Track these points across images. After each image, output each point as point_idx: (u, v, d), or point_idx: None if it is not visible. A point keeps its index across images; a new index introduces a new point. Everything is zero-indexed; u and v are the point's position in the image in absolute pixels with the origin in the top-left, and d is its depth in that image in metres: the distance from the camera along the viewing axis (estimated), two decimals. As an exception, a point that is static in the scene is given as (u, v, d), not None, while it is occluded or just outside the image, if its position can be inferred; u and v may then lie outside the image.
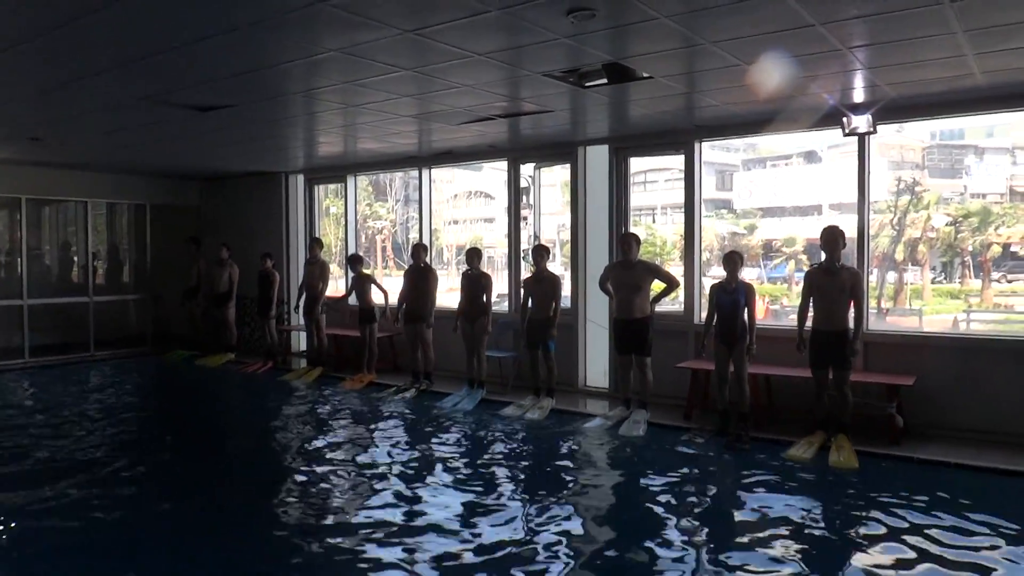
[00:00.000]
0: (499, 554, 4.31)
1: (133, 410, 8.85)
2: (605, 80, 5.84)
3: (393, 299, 9.35)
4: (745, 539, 4.59)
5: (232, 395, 10.05)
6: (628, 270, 7.29)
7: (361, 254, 10.60)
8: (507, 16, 4.28)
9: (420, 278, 8.97)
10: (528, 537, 4.60)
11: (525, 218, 9.93)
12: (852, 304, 6.25)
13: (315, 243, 10.65)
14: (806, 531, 4.71)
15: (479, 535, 4.60)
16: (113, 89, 6.05)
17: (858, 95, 6.36)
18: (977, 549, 4.28)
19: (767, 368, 7.07)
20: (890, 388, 6.49)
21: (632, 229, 8.54)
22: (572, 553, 4.39)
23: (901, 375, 6.58)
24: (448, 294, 10.40)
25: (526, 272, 8.97)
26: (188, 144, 9.01)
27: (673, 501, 5.28)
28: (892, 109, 6.62)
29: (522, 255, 9.54)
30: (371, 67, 5.39)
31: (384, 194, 21.81)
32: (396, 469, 6.08)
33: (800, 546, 4.46)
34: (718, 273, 7.63)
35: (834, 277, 6.25)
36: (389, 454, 6.59)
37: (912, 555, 4.23)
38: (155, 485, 5.78)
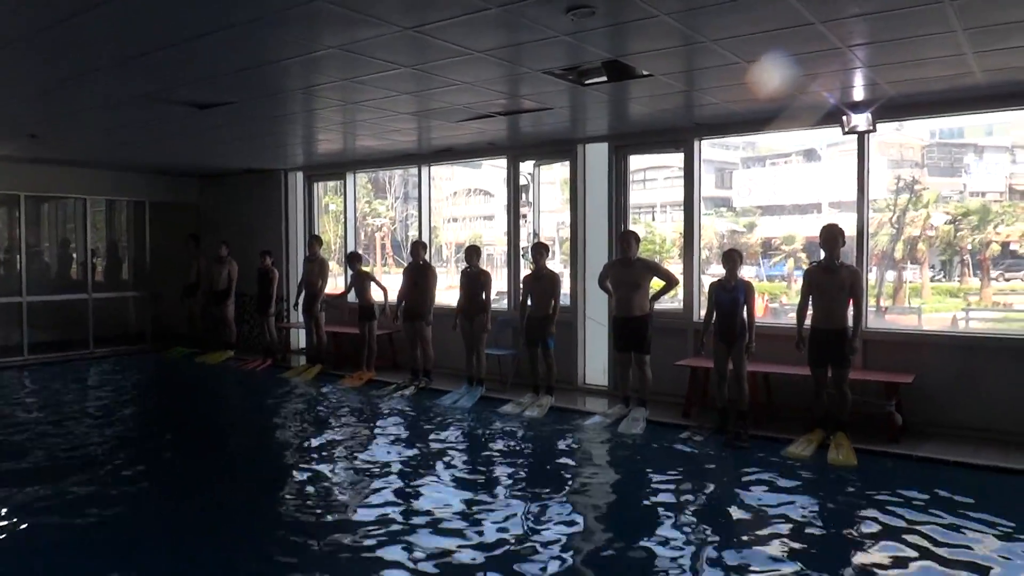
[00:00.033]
0: (499, 552, 4.31)
1: (132, 407, 8.85)
2: (605, 78, 5.83)
3: (392, 297, 9.35)
4: (744, 537, 4.60)
5: (231, 392, 10.05)
6: (627, 268, 7.29)
7: (360, 252, 10.61)
8: (506, 13, 4.27)
9: (419, 276, 8.97)
10: (527, 535, 4.60)
11: (524, 216, 9.93)
12: (851, 302, 6.26)
13: (314, 240, 10.64)
14: (805, 529, 4.72)
15: (479, 533, 4.60)
16: (112, 86, 6.04)
17: (858, 93, 6.35)
18: (975, 547, 4.29)
19: (766, 366, 7.07)
20: (889, 386, 6.50)
21: (631, 227, 8.53)
22: (571, 551, 4.39)
23: (900, 373, 6.59)
24: (447, 292, 10.40)
25: (525, 270, 8.97)
26: (187, 141, 9.00)
27: (672, 499, 5.29)
28: (892, 107, 6.61)
29: (521, 253, 9.54)
30: (370, 64, 5.39)
31: (383, 191, 21.80)
32: (395, 467, 6.08)
33: (799, 544, 4.47)
34: (717, 271, 7.63)
35: (833, 275, 6.26)
36: (388, 452, 6.59)
37: (910, 553, 4.23)
38: (155, 483, 5.77)
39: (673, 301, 8.17)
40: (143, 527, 4.80)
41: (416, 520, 4.83)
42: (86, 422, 7.64)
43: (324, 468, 6.16)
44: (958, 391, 6.52)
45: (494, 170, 14.48)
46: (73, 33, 4.58)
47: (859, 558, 4.30)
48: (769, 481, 5.56)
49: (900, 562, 4.14)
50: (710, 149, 13.42)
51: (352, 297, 9.94)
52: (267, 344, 11.11)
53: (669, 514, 4.96)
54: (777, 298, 13.86)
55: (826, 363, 6.31)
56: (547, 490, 5.50)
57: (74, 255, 12.21)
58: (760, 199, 17.21)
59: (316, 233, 11.59)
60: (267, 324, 11.09)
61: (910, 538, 4.41)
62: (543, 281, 7.94)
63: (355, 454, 6.55)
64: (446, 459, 6.32)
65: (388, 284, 9.82)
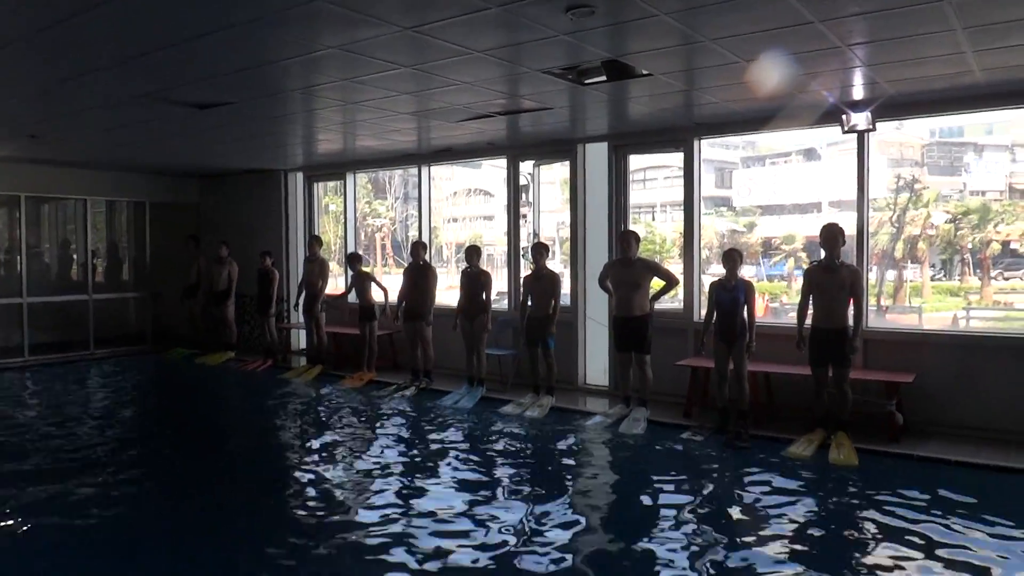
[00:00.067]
0: (500, 552, 4.31)
1: (133, 408, 8.86)
2: (604, 77, 5.83)
3: (393, 297, 9.35)
4: (745, 537, 4.59)
5: (232, 393, 10.05)
6: (627, 268, 7.29)
7: (360, 252, 10.61)
8: (506, 13, 4.27)
9: (420, 276, 8.97)
10: (528, 535, 4.60)
11: (524, 216, 9.93)
12: (852, 302, 6.26)
13: (314, 241, 10.64)
14: (806, 529, 4.72)
15: (480, 534, 4.60)
16: (112, 86, 6.04)
17: (857, 92, 6.35)
18: (976, 546, 4.28)
19: (767, 366, 7.07)
20: (890, 385, 6.49)
21: (631, 227, 8.53)
22: (572, 551, 4.39)
23: (901, 372, 6.59)
24: (448, 292, 10.40)
25: (526, 270, 8.97)
26: (187, 142, 9.00)
27: (673, 499, 5.28)
28: (891, 106, 6.61)
29: (521, 253, 9.54)
30: (370, 64, 5.39)
31: (383, 192, 21.78)
32: (396, 467, 6.08)
33: (800, 544, 4.47)
34: (717, 271, 7.63)
35: (834, 275, 6.25)
36: (389, 452, 6.60)
37: (911, 553, 4.23)
38: (155, 484, 5.78)
39: (673, 301, 8.17)
40: (143, 527, 4.80)
41: (417, 521, 4.83)
42: (87, 423, 7.64)
43: (325, 469, 6.16)
44: (959, 390, 6.52)
45: (494, 170, 14.47)
46: (73, 33, 4.58)
47: (860, 558, 4.30)
48: (770, 481, 5.55)
49: (901, 562, 4.13)
50: (710, 148, 13.40)
51: (352, 298, 9.94)
52: (267, 345, 11.11)
53: (670, 515, 4.95)
54: (777, 298, 13.85)
55: (827, 362, 6.31)
56: (548, 491, 5.50)
57: (74, 256, 12.21)
58: (760, 198, 17.20)
59: (316, 233, 11.59)
60: (267, 325, 11.09)
61: (911, 538, 4.41)
62: (543, 281, 7.94)
63: (356, 455, 6.55)
64: (447, 460, 6.32)
65: (388, 284, 9.83)
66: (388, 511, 5.01)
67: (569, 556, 4.31)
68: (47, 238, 12.29)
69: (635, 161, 8.89)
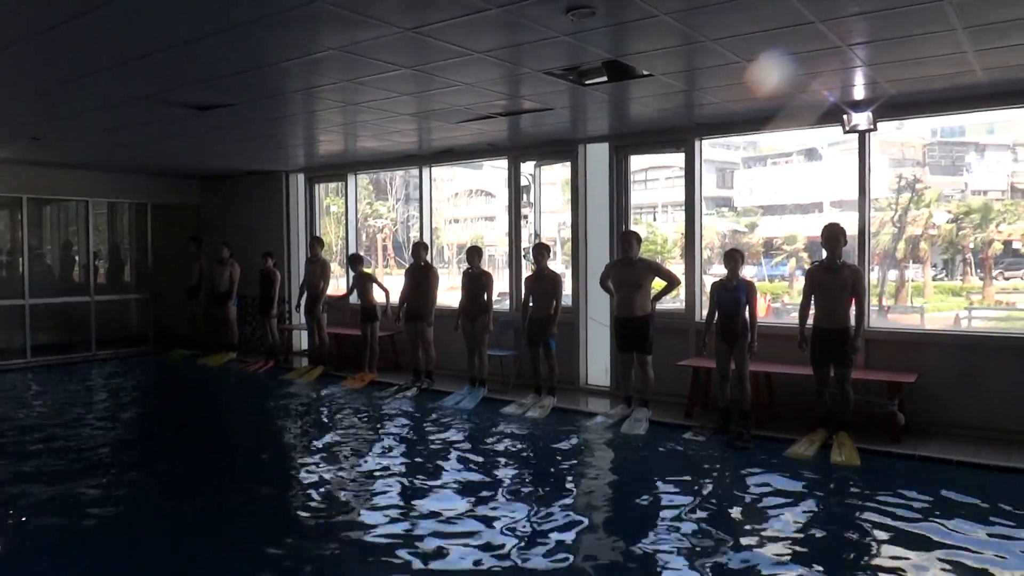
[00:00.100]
0: (501, 553, 4.31)
1: (134, 409, 8.87)
2: (605, 78, 5.83)
3: (394, 298, 9.35)
4: (746, 538, 4.59)
5: (233, 394, 10.06)
6: (629, 268, 7.29)
7: (362, 253, 10.62)
8: (507, 14, 4.27)
9: (421, 277, 8.97)
10: (529, 536, 4.60)
11: (526, 216, 9.93)
12: (853, 301, 6.25)
13: (316, 242, 10.65)
14: (808, 529, 4.71)
15: (481, 534, 4.60)
16: (113, 88, 6.05)
17: (858, 92, 6.34)
18: (977, 547, 4.28)
19: (768, 366, 7.06)
20: (891, 385, 6.49)
21: (633, 227, 8.53)
22: (574, 552, 4.39)
23: (902, 372, 6.58)
24: (449, 293, 10.41)
25: (527, 270, 8.97)
26: (188, 143, 9.01)
27: (674, 499, 5.28)
28: (892, 106, 6.60)
29: (523, 253, 9.54)
30: (371, 65, 5.39)
31: (385, 192, 21.79)
32: (397, 468, 6.08)
33: (801, 544, 4.47)
34: (719, 271, 7.62)
35: (835, 275, 6.25)
36: (391, 453, 6.60)
37: (913, 553, 4.23)
38: (156, 484, 5.78)
39: (675, 301, 8.17)
40: (144, 527, 4.81)
41: (419, 521, 4.83)
42: (88, 424, 7.65)
43: (326, 469, 6.16)
44: (960, 390, 6.52)
45: (495, 171, 14.45)
46: (74, 34, 4.58)
47: (862, 559, 4.30)
48: (771, 482, 5.54)
49: (902, 563, 4.13)
50: (711, 149, 13.42)
51: (354, 299, 9.94)
52: (269, 346, 11.11)
53: (671, 515, 4.95)
54: (779, 298, 13.84)
55: (828, 363, 6.30)
56: (550, 491, 5.50)
57: (76, 257, 12.22)
58: (761, 199, 17.18)
59: (317, 234, 11.61)
60: (269, 326, 11.10)
61: (913, 538, 4.41)
62: (544, 282, 7.94)
63: (357, 455, 6.55)
64: (448, 460, 6.32)
65: (390, 285, 9.83)
66: (390, 512, 5.01)
67: (571, 557, 4.30)
68: (49, 240, 12.31)
69: (636, 161, 8.88)
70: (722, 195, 16.95)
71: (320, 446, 6.95)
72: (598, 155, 8.70)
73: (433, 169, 10.76)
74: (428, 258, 9.20)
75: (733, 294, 6.63)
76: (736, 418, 6.63)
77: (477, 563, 4.18)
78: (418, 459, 6.36)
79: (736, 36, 4.76)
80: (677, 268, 8.17)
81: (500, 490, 5.50)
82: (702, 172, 8.17)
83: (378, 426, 7.59)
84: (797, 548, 4.39)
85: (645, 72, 5.71)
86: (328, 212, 14.08)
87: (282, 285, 11.25)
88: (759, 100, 6.45)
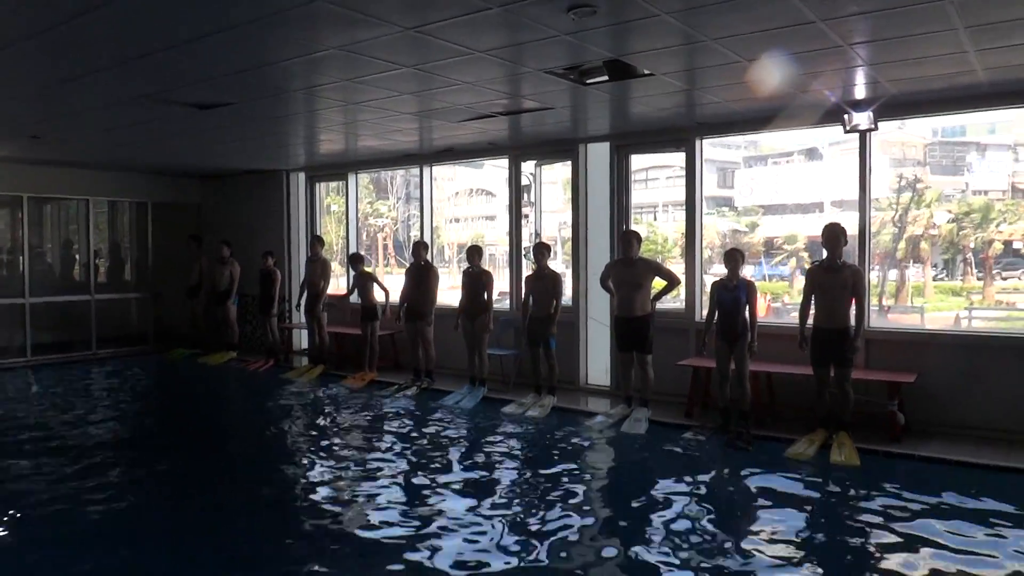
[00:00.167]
0: (500, 553, 4.31)
1: (134, 408, 8.86)
2: (606, 77, 5.83)
3: (394, 297, 9.35)
4: (745, 538, 4.59)
5: (233, 393, 10.06)
6: (629, 268, 7.28)
7: (362, 252, 10.62)
8: (507, 13, 4.27)
9: (421, 276, 8.97)
10: (529, 536, 4.59)
11: (526, 216, 9.93)
12: (853, 301, 6.24)
13: (316, 241, 10.65)
14: (807, 529, 4.71)
15: (480, 534, 4.60)
16: (113, 87, 6.05)
17: (859, 92, 6.34)
18: (977, 547, 4.28)
19: (768, 366, 7.06)
20: (891, 385, 6.48)
21: (633, 227, 8.53)
22: (572, 552, 4.39)
23: (902, 372, 6.58)
24: (449, 292, 10.41)
25: (527, 270, 8.96)
26: (189, 142, 9.01)
27: (674, 499, 5.27)
28: (893, 106, 6.60)
29: (523, 253, 9.53)
30: (371, 64, 5.39)
31: (385, 192, 21.80)
32: (397, 467, 6.08)
33: (801, 544, 4.46)
34: (719, 271, 7.62)
35: (835, 274, 6.24)
36: (390, 452, 6.59)
37: (913, 552, 4.23)
38: (156, 483, 5.78)
39: (675, 301, 8.17)
40: (143, 527, 4.80)
41: (418, 520, 4.83)
42: (88, 423, 7.65)
43: (325, 469, 6.16)
44: (960, 390, 6.51)
45: (496, 170, 14.48)
46: (74, 34, 4.58)
47: (861, 559, 4.29)
48: (771, 482, 5.54)
49: (901, 563, 4.13)
50: (712, 148, 13.43)
51: (354, 298, 9.94)
52: (269, 345, 11.12)
53: (671, 515, 4.94)
54: (779, 297, 13.84)
55: (828, 362, 6.30)
56: (549, 491, 5.49)
57: (77, 256, 12.22)
58: (762, 198, 17.19)
59: (318, 234, 11.60)
60: (269, 325, 11.10)
61: (912, 538, 4.40)
62: (545, 281, 7.94)
63: (357, 455, 6.55)
64: (448, 460, 6.32)
65: (390, 285, 9.83)
66: (389, 511, 5.01)
67: (569, 556, 4.30)
68: (49, 238, 12.30)
69: (637, 161, 8.88)
70: (723, 195, 16.96)
71: (320, 445, 6.95)
72: (599, 154, 8.70)
73: (434, 168, 10.75)
74: (428, 257, 9.20)
75: (733, 294, 6.62)
76: (736, 418, 6.63)
77: (476, 563, 4.18)
78: (418, 458, 6.36)
79: (737, 36, 4.75)
80: (677, 268, 8.17)
81: (499, 489, 5.50)
82: (703, 172, 8.17)
83: (378, 425, 7.58)
84: (796, 548, 4.38)
85: (646, 71, 5.70)
86: (329, 211, 14.09)
87: (282, 284, 11.25)
88: (760, 100, 6.45)
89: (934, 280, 14.47)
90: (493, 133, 8.45)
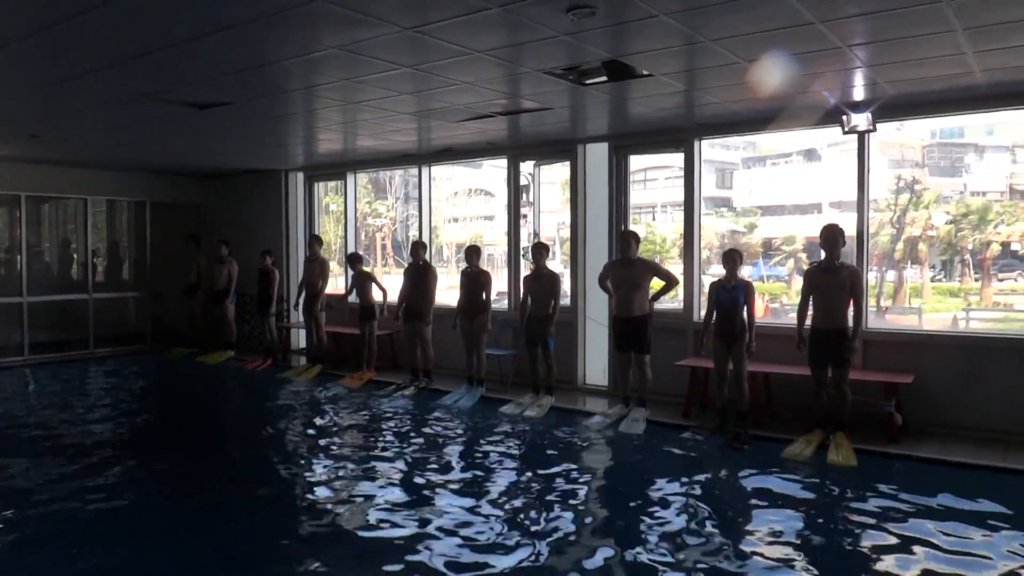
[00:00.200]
0: (498, 553, 4.31)
1: (133, 407, 8.85)
2: (605, 78, 5.83)
3: (393, 297, 9.35)
4: (743, 538, 4.60)
5: (232, 392, 10.06)
6: (627, 268, 7.29)
7: (361, 252, 10.62)
8: (507, 13, 4.27)
9: (420, 276, 8.97)
10: (526, 536, 4.60)
11: (525, 216, 9.93)
12: (851, 302, 6.25)
13: (315, 240, 10.65)
14: (804, 530, 4.71)
15: (478, 534, 4.60)
16: (112, 86, 6.04)
17: (858, 93, 6.35)
18: (974, 548, 4.29)
19: (766, 366, 7.07)
20: (889, 386, 6.49)
21: (632, 227, 8.54)
22: (570, 552, 4.39)
23: (900, 373, 6.59)
24: (448, 292, 10.41)
25: (526, 270, 8.97)
26: (187, 141, 9.01)
27: (671, 500, 5.28)
28: (892, 107, 6.61)
29: (522, 253, 9.54)
30: (370, 64, 5.39)
31: (384, 192, 21.79)
32: (395, 467, 6.08)
33: (798, 545, 4.47)
34: (717, 271, 7.63)
35: (834, 275, 6.25)
36: (388, 452, 6.59)
37: (910, 553, 4.23)
38: (155, 483, 5.77)
39: (673, 301, 8.17)
40: (143, 527, 4.80)
41: (416, 520, 4.83)
42: (86, 422, 7.64)
43: (324, 469, 6.16)
44: (958, 391, 6.52)
45: (494, 170, 14.47)
46: (73, 33, 4.58)
47: (858, 560, 4.30)
48: (769, 482, 5.54)
49: (899, 563, 4.14)
50: (710, 149, 13.42)
51: (353, 297, 9.95)
52: (267, 344, 11.12)
53: (668, 515, 4.95)
54: (777, 298, 13.85)
55: (826, 363, 6.31)
56: (547, 491, 5.49)
57: (75, 255, 12.21)
58: (760, 199, 17.21)
59: (316, 233, 11.59)
60: (267, 324, 11.10)
61: (909, 539, 4.41)
62: (543, 281, 7.95)
63: (355, 454, 6.55)
64: (446, 460, 6.32)
65: (388, 284, 9.83)
66: (387, 511, 5.01)
67: (567, 556, 4.31)
68: (47, 237, 12.30)
69: (635, 161, 8.89)
70: (721, 195, 16.97)
71: (318, 445, 6.95)
72: (598, 155, 8.70)
73: (432, 168, 10.75)
74: (427, 257, 9.20)
75: (731, 294, 6.63)
76: (734, 418, 6.64)
77: (474, 563, 4.18)
78: (415, 458, 6.36)
79: (736, 36, 4.76)
80: (676, 268, 8.18)
81: (497, 489, 5.50)
82: (701, 172, 8.17)
83: (376, 425, 7.58)
84: (793, 549, 4.39)
85: (645, 72, 5.71)
86: (327, 211, 14.08)
87: (281, 283, 11.25)
88: (759, 100, 6.46)
89: (932, 281, 14.50)
90: (492, 133, 8.46)
